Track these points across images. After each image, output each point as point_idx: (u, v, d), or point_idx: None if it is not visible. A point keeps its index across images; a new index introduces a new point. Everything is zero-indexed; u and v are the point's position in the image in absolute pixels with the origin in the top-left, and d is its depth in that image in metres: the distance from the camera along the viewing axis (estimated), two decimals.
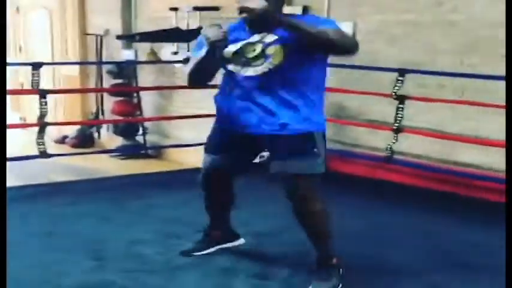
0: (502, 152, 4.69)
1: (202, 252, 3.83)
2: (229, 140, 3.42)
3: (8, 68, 8.99)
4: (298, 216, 3.31)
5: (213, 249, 3.86)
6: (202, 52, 3.21)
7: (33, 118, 5.80)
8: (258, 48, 3.17)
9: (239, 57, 3.23)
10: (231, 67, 3.29)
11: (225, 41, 3.19)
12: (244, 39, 3.22)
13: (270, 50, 3.15)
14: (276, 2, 3.14)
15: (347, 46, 3.07)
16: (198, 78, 3.38)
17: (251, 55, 3.19)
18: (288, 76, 3.15)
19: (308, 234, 3.39)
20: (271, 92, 3.18)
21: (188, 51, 6.89)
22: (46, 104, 5.57)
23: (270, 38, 3.14)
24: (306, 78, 3.18)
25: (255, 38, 3.18)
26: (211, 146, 3.54)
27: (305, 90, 3.19)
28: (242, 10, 3.08)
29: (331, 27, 3.04)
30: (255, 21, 3.09)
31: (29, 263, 3.75)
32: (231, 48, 3.24)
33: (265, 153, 3.53)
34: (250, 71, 3.21)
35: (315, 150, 3.20)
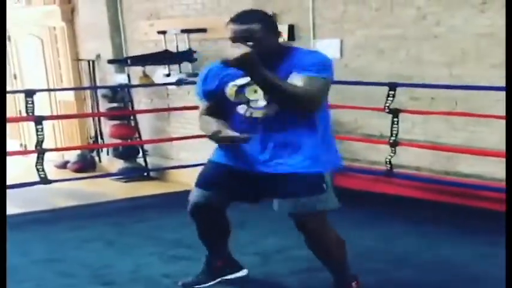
0: (500, 161, 4.80)
1: (205, 285, 3.72)
2: (228, 177, 3.33)
3: None
4: (311, 249, 3.33)
5: (216, 281, 3.74)
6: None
7: (33, 145, 5.88)
8: (258, 90, 3.12)
9: (241, 96, 3.19)
10: (237, 107, 3.23)
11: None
12: (242, 76, 3.15)
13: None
14: (266, 30, 3.06)
15: (303, 104, 3.06)
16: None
17: (252, 97, 3.16)
18: (290, 118, 3.12)
19: (324, 264, 3.42)
20: (277, 132, 3.15)
21: (180, 72, 7.00)
22: (42, 130, 5.64)
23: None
24: (308, 119, 3.14)
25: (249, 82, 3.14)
26: (204, 181, 3.43)
27: (310, 131, 3.16)
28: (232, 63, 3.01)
29: (304, 77, 3.03)
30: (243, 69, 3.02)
31: None
32: (232, 87, 3.22)
33: None
34: (255, 113, 3.17)
35: (323, 186, 3.18)
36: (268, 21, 3.11)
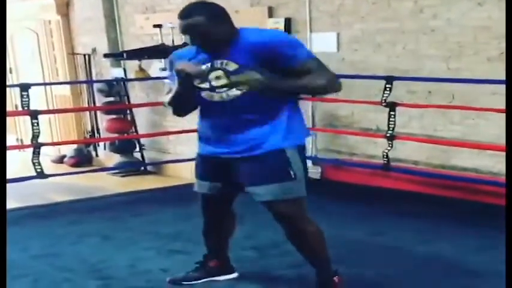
0: (497, 155, 4.82)
1: (192, 283, 3.70)
2: (210, 167, 3.35)
3: None
4: (290, 240, 3.32)
5: (205, 280, 3.72)
6: (178, 87, 3.18)
7: (29, 139, 5.86)
8: (222, 76, 3.12)
9: (205, 82, 3.17)
10: (202, 92, 3.23)
11: (203, 77, 3.14)
12: (204, 63, 3.15)
13: (237, 78, 3.10)
14: (212, 21, 3.06)
15: (329, 90, 3.14)
16: (182, 110, 3.35)
17: (215, 83, 3.14)
18: (254, 100, 3.10)
19: (304, 256, 3.39)
20: (240, 115, 3.14)
21: None
22: (38, 125, 5.62)
23: (232, 65, 3.10)
24: (270, 100, 3.13)
25: (217, 63, 3.13)
26: (198, 173, 3.46)
27: (274, 109, 3.15)
28: (233, 85, 3.07)
29: (312, 65, 3.06)
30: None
31: (33, 285, 3.82)
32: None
33: None
34: (216, 97, 3.17)
35: (291, 173, 3.13)
36: (212, 11, 3.10)
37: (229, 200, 3.52)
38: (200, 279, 3.71)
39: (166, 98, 3.28)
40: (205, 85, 3.16)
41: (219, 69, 3.12)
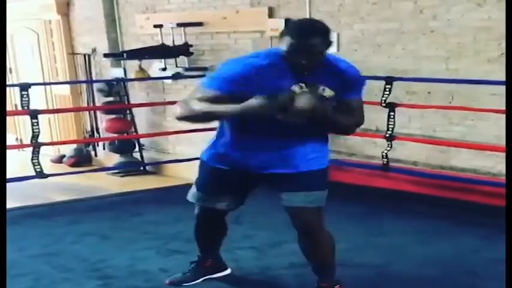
0: (496, 155, 4.82)
1: (191, 283, 3.71)
2: (232, 181, 3.32)
3: None
4: (305, 249, 3.37)
5: (201, 279, 3.74)
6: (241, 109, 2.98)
7: (29, 139, 5.87)
8: (311, 99, 2.99)
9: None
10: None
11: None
12: (287, 86, 3.03)
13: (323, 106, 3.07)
14: (326, 44, 3.04)
15: (350, 132, 3.46)
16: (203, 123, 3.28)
17: (302, 105, 2.99)
18: (307, 125, 3.08)
19: (314, 266, 3.43)
20: (293, 133, 3.14)
21: (176, 66, 6.99)
22: (38, 124, 5.62)
23: (328, 92, 3.09)
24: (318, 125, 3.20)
25: (302, 87, 3.05)
26: (205, 185, 3.43)
27: (316, 135, 3.25)
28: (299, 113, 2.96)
29: (356, 105, 3.23)
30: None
31: (33, 284, 3.83)
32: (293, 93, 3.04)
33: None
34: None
35: (325, 184, 3.28)
36: (328, 32, 3.07)
37: (227, 213, 3.53)
38: (198, 279, 3.73)
39: (203, 107, 3.05)
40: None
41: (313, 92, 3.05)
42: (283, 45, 2.98)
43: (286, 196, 3.22)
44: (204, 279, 3.73)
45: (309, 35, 2.96)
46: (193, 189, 3.51)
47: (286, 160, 3.19)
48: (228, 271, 3.83)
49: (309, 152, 3.21)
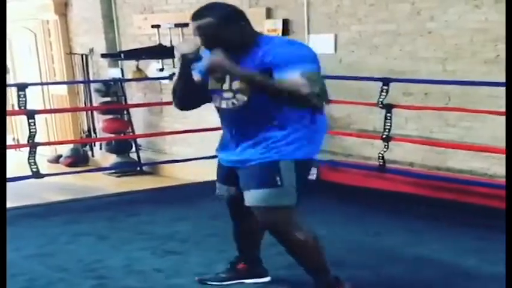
0: (492, 157, 4.83)
1: (221, 283, 3.60)
2: (224, 172, 3.35)
3: None
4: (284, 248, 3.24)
5: (234, 282, 3.60)
6: (177, 70, 3.13)
7: (25, 139, 5.86)
8: (226, 80, 3.08)
9: (214, 85, 3.15)
10: (213, 97, 3.19)
11: (197, 56, 3.02)
12: None
13: (236, 85, 3.04)
14: (222, 21, 2.97)
15: (312, 104, 2.92)
16: (182, 98, 3.21)
17: (220, 86, 3.11)
18: (255, 111, 3.02)
19: (299, 264, 3.29)
20: (240, 124, 3.10)
21: (174, 67, 6.99)
22: (35, 124, 5.61)
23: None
24: (275, 111, 3.02)
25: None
26: (217, 175, 3.45)
27: (273, 122, 3.04)
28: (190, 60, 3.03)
29: (299, 74, 2.85)
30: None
31: (28, 284, 3.81)
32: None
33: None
34: (223, 103, 3.13)
35: (277, 179, 3.01)
36: (223, 12, 3.01)
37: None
38: (229, 281, 3.60)
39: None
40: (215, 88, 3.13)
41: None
42: None
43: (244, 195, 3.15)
44: (237, 283, 3.61)
45: (195, 17, 3.01)
46: None
47: (239, 152, 3.13)
48: (267, 279, 3.64)
49: (261, 142, 3.04)
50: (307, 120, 3.07)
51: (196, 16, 3.01)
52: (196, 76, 3.16)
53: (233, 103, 3.07)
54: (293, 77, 2.85)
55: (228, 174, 3.29)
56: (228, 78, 3.05)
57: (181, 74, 3.08)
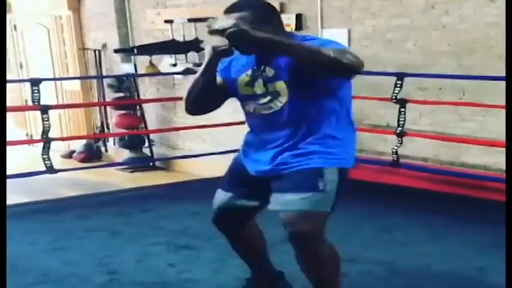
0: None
1: None
2: (245, 177, 3.00)
3: (11, 85, 9.15)
4: (299, 262, 2.88)
5: None
6: (203, 64, 2.82)
7: (39, 135, 5.88)
8: (260, 82, 2.81)
9: (248, 90, 2.84)
10: (244, 102, 2.91)
11: (230, 50, 2.72)
12: (247, 70, 2.84)
13: (274, 87, 2.77)
14: (257, 17, 2.72)
15: (348, 65, 2.63)
16: (197, 100, 2.90)
17: (260, 91, 2.81)
18: (296, 114, 2.76)
19: (312, 283, 2.94)
20: (278, 130, 2.81)
21: (187, 62, 6.98)
22: (48, 120, 5.63)
23: (270, 71, 2.78)
24: (316, 113, 2.77)
25: (255, 69, 2.82)
26: (226, 180, 3.13)
27: (316, 126, 2.77)
28: (211, 33, 2.68)
29: (331, 47, 2.67)
30: (235, 45, 2.66)
31: (41, 279, 3.82)
32: (244, 77, 2.84)
33: None
34: (259, 109, 2.83)
35: (320, 184, 2.75)
36: (260, 8, 2.79)
37: (250, 216, 3.18)
38: None
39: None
40: (249, 93, 2.84)
41: (257, 74, 2.80)
42: None
43: (274, 198, 2.83)
44: None
45: (229, 10, 2.76)
46: None
47: (273, 159, 2.84)
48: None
49: (300, 147, 2.79)
50: (345, 122, 2.85)
51: (230, 9, 2.76)
52: (218, 78, 2.89)
53: (270, 107, 2.80)
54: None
55: (245, 182, 2.99)
56: (261, 81, 2.79)
57: (207, 69, 2.80)
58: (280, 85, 2.75)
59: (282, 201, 2.77)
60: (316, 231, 2.78)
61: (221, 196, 3.10)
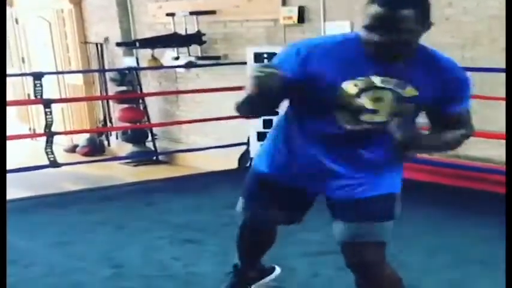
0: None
1: None
2: (278, 194, 2.64)
3: (13, 79, 9.15)
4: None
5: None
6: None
7: (42, 129, 5.88)
8: (387, 99, 2.32)
9: (352, 101, 2.33)
10: (337, 112, 2.38)
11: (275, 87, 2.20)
12: (363, 76, 2.31)
13: (401, 108, 2.34)
14: (419, 16, 2.23)
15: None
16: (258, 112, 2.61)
17: (370, 106, 2.32)
18: (386, 134, 2.32)
19: None
20: (358, 150, 2.45)
21: (189, 55, 6.97)
22: (51, 114, 5.64)
23: (410, 91, 2.33)
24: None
25: (387, 81, 2.32)
26: (250, 193, 2.76)
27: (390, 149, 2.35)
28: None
29: (465, 118, 2.48)
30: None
31: (46, 273, 3.82)
32: (350, 89, 2.31)
33: None
34: (356, 125, 2.38)
35: (393, 212, 2.57)
36: (425, 6, 2.29)
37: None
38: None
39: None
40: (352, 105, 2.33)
41: (388, 89, 2.32)
42: (364, 20, 2.23)
43: (337, 226, 2.56)
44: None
45: (396, 2, 2.19)
46: None
47: (337, 183, 2.51)
48: (278, 270, 3.30)
49: (369, 177, 2.51)
50: None
51: (396, 2, 2.19)
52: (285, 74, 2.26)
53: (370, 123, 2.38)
54: (461, 118, 2.46)
55: (275, 196, 2.65)
56: (389, 96, 2.33)
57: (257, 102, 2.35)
58: (408, 108, 2.39)
59: (353, 231, 2.53)
60: (383, 260, 2.61)
61: (248, 206, 2.83)
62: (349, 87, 2.30)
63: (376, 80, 2.30)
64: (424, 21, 2.26)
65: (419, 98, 2.33)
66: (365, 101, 2.31)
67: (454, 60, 2.49)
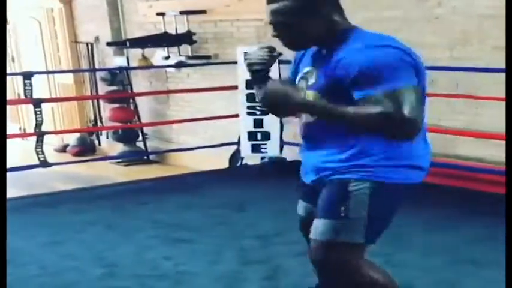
0: (501, 144, 4.80)
1: None
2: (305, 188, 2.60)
3: None
4: None
5: None
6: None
7: (32, 128, 5.87)
8: (302, 88, 2.40)
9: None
10: None
11: (265, 68, 2.42)
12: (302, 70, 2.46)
13: (308, 95, 2.34)
14: (300, 6, 2.29)
15: (399, 133, 2.28)
16: None
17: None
18: (328, 125, 2.30)
19: None
20: (317, 139, 2.39)
21: (179, 55, 6.98)
22: (41, 113, 5.63)
23: (312, 78, 2.37)
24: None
25: (309, 71, 2.42)
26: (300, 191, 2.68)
27: (349, 138, 2.31)
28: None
29: (383, 94, 2.19)
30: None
31: (37, 273, 3.82)
32: (299, 83, 2.44)
33: None
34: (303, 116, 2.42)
35: (342, 208, 2.34)
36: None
37: None
38: None
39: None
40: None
41: (303, 79, 2.41)
42: None
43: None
44: None
45: (268, 1, 2.31)
46: None
47: (310, 169, 2.47)
48: None
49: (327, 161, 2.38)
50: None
51: None
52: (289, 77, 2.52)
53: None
54: (376, 99, 2.19)
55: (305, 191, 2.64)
56: (303, 85, 2.40)
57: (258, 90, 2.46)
58: (315, 96, 2.32)
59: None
60: (340, 264, 2.49)
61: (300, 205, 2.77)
62: (299, 82, 2.44)
63: (305, 71, 2.42)
64: (311, 11, 2.29)
65: (319, 83, 2.31)
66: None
67: (379, 36, 2.44)
